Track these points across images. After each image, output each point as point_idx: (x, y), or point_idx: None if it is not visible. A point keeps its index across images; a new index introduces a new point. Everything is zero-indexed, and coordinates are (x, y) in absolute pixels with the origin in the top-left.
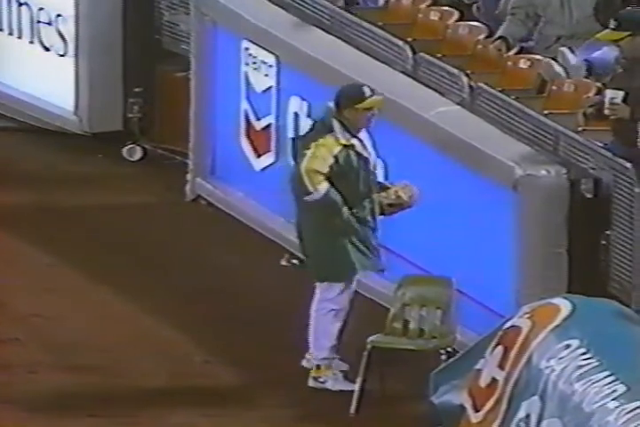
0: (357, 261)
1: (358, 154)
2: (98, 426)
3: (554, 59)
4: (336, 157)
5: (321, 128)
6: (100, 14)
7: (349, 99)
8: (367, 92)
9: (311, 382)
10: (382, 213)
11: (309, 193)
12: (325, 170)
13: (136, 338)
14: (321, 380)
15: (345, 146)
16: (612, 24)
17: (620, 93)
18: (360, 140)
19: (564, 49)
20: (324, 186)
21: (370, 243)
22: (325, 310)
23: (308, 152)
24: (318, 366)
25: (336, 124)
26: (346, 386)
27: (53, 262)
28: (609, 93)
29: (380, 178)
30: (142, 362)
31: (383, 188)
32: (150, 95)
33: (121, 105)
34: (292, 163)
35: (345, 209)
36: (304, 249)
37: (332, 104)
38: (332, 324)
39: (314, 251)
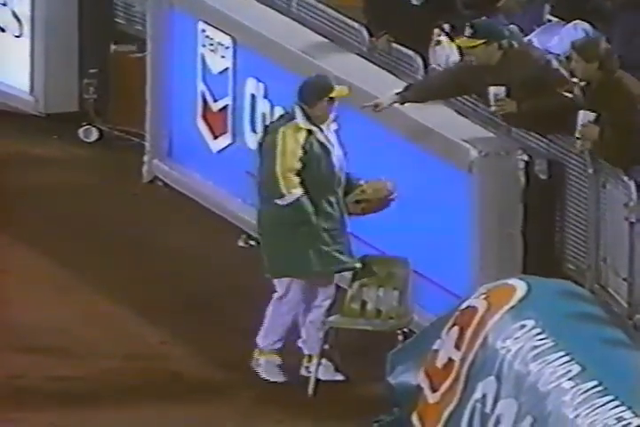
0: (317, 265)
1: (320, 143)
2: (52, 405)
3: None
4: (304, 147)
5: (285, 117)
6: None
7: (317, 90)
8: (333, 82)
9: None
10: (350, 213)
11: (282, 196)
12: (298, 165)
13: (92, 319)
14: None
15: (309, 132)
16: (468, 31)
17: (503, 89)
18: (322, 132)
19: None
20: (297, 191)
21: (337, 245)
22: (278, 303)
23: (278, 148)
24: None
25: (298, 113)
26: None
27: (8, 243)
28: (492, 90)
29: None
30: (98, 343)
31: (354, 187)
32: (106, 76)
33: (76, 86)
34: (258, 153)
35: (314, 218)
36: (262, 245)
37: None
38: (279, 315)
39: (272, 245)
